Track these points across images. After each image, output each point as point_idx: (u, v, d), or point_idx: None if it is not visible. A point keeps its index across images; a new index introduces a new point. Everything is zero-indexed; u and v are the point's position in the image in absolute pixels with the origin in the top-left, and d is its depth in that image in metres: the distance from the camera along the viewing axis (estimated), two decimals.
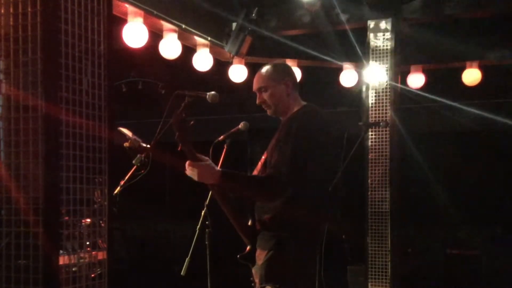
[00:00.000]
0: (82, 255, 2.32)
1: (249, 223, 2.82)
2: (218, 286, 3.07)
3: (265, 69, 2.90)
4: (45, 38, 2.15)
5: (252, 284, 2.83)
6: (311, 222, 2.71)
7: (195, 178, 2.59)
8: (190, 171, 2.60)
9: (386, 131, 5.12)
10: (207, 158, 2.66)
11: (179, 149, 2.57)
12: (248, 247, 2.81)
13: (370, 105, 5.19)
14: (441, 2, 5.06)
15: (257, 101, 2.91)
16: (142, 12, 4.39)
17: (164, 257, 8.40)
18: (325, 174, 2.82)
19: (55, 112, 2.17)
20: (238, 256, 2.80)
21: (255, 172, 2.91)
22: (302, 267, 2.71)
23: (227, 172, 2.62)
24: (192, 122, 2.57)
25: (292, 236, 2.68)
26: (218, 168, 2.69)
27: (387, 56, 5.13)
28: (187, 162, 2.60)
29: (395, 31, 5.12)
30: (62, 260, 2.22)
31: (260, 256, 2.74)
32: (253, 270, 2.81)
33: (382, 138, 5.15)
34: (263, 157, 2.88)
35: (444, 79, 6.73)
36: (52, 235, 2.15)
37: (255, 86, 2.91)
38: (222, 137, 3.22)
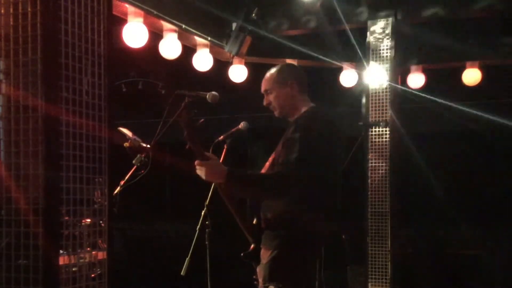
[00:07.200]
0: (82, 255, 2.32)
1: (254, 221, 2.83)
2: (218, 286, 3.07)
3: (271, 71, 2.93)
4: (45, 38, 2.15)
5: (255, 283, 2.83)
6: (316, 222, 2.71)
7: (203, 177, 2.59)
8: (198, 170, 2.60)
9: (386, 131, 5.12)
10: (215, 156, 2.65)
11: (187, 147, 2.56)
12: (252, 246, 2.81)
13: (370, 105, 5.19)
14: (441, 2, 5.06)
15: (264, 103, 2.94)
16: (142, 12, 4.38)
17: (164, 257, 8.39)
18: (330, 175, 2.79)
19: (55, 112, 2.16)
20: (242, 254, 2.80)
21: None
22: (305, 267, 2.71)
23: (234, 170, 2.61)
24: (201, 120, 2.58)
25: (296, 236, 2.68)
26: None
27: (387, 56, 5.13)
28: (196, 162, 2.59)
29: (395, 31, 5.11)
30: (62, 260, 2.22)
31: (264, 256, 2.74)
32: (258, 269, 2.81)
33: (382, 138, 5.14)
34: (270, 158, 2.88)
35: (444, 79, 6.73)
36: (52, 235, 2.15)
37: (262, 88, 2.94)
38: (222, 137, 3.22)
